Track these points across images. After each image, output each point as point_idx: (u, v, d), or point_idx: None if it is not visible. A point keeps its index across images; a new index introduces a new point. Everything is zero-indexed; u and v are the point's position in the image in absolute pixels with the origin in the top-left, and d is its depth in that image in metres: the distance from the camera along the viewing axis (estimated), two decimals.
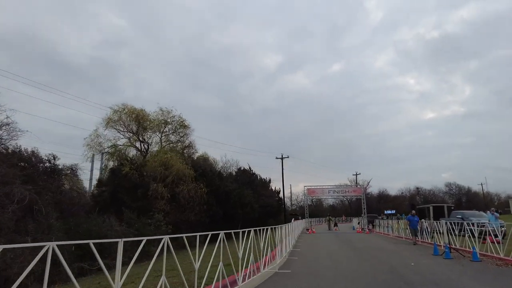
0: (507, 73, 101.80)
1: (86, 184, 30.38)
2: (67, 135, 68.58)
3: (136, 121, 27.82)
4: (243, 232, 7.12)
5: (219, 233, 5.90)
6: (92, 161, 31.03)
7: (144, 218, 18.43)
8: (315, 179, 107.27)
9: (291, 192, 75.60)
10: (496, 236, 10.83)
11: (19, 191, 13.30)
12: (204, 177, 26.59)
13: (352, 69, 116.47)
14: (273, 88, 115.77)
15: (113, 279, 3.44)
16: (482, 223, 12.94)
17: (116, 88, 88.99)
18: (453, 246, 11.40)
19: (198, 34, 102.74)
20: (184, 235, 5.17)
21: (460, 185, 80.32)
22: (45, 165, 19.22)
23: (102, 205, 20.78)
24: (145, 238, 4.28)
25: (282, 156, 47.89)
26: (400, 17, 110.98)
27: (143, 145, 29.70)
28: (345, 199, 77.00)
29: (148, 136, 29.63)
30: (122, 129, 28.79)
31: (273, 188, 44.86)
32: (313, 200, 75.64)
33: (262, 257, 7.88)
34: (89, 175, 31.50)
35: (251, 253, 7.05)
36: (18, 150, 17.38)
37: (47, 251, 2.79)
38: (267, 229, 9.42)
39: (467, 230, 12.41)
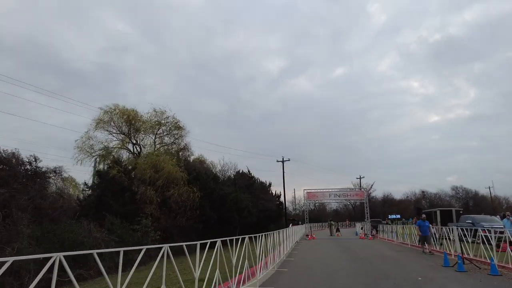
0: None
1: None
2: (71, 140, 67.87)
3: (128, 122, 26.68)
4: (225, 242, 5.83)
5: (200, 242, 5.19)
6: (95, 165, 29.90)
7: (128, 224, 17.13)
8: (318, 184, 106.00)
9: (294, 197, 74.08)
10: None
11: None
12: (198, 180, 25.32)
13: (356, 73, 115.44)
14: (276, 92, 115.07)
15: None
16: (496, 229, 11.56)
17: (120, 93, 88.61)
18: (467, 256, 9.99)
19: (201, 40, 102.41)
20: (166, 245, 4.69)
21: (467, 188, 78.33)
22: (26, 167, 18.11)
23: (87, 210, 19.57)
24: (121, 249, 4.04)
25: (283, 159, 46.55)
26: (403, 20, 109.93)
27: (136, 147, 28.55)
28: (348, 203, 75.41)
29: (141, 138, 28.47)
30: (114, 131, 27.68)
31: (274, 192, 43.59)
32: (316, 205, 74.16)
33: (244, 270, 6.58)
34: (83, 179, 30.36)
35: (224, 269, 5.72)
36: None
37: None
38: (253, 237, 8.15)
39: (479, 237, 11.04)
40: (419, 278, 7.82)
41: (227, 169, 39.08)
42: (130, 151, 28.62)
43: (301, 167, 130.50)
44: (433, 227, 16.26)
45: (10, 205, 13.98)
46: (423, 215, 14.92)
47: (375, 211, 64.37)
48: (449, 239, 12.96)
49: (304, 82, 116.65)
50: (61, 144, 62.06)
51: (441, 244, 14.21)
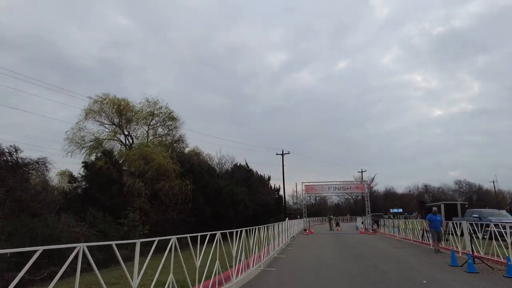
0: None
1: None
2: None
3: (118, 112, 25.61)
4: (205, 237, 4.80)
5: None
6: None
7: (112, 218, 16.14)
8: (320, 178, 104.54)
9: (296, 191, 73.07)
10: None
11: None
12: (192, 173, 24.29)
13: (358, 67, 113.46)
14: (279, 87, 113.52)
15: None
16: (506, 223, 10.47)
17: (123, 88, 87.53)
18: (478, 255, 8.90)
19: (204, 35, 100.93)
20: (138, 240, 4.23)
21: (471, 182, 77.19)
22: (5, 158, 17.14)
23: (73, 203, 18.63)
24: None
25: (282, 152, 45.53)
26: (406, 13, 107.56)
27: (128, 139, 27.52)
28: (349, 197, 74.42)
29: (133, 129, 27.43)
30: (105, 122, 26.66)
31: (273, 185, 42.59)
32: (317, 199, 73.19)
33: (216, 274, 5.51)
34: (76, 172, 29.38)
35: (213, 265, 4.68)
36: None
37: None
38: (245, 230, 7.15)
39: (487, 233, 9.99)
40: (424, 282, 6.75)
41: (224, 162, 38.06)
42: (122, 142, 27.61)
43: (304, 161, 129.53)
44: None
45: None
46: (434, 208, 13.18)
47: (377, 205, 63.27)
48: (456, 234, 11.88)
49: (307, 76, 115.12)
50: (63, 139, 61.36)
51: (447, 240, 13.14)
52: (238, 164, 36.41)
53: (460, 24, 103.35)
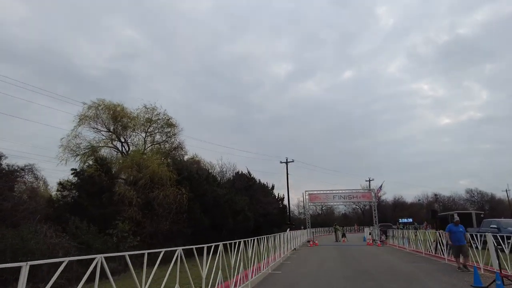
0: None
1: None
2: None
3: (114, 118, 24.68)
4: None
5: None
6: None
7: (96, 228, 15.01)
8: (328, 187, 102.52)
9: (304, 201, 71.24)
10: None
11: None
12: (189, 181, 23.13)
13: (365, 76, 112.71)
14: (285, 96, 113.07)
15: None
16: None
17: (130, 98, 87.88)
18: (506, 273, 7.52)
19: (210, 45, 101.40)
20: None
21: (483, 191, 74.87)
22: None
23: (61, 212, 17.58)
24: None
25: (286, 160, 44.31)
26: (412, 22, 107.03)
27: (124, 146, 26.54)
28: (357, 207, 72.41)
29: (129, 135, 26.45)
30: (101, 128, 25.75)
31: (277, 194, 41.18)
32: (323, 209, 71.31)
33: None
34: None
35: None
36: None
37: None
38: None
39: (508, 246, 8.66)
40: None
41: (225, 171, 36.89)
42: (118, 150, 26.65)
43: (310, 171, 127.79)
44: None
45: None
46: (456, 218, 11.40)
47: (385, 215, 61.26)
48: (473, 247, 10.47)
49: (313, 85, 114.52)
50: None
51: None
52: (240, 173, 35.24)
53: (466, 32, 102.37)
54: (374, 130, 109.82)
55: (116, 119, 24.73)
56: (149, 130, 27.72)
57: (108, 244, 15.81)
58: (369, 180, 59.44)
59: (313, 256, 15.76)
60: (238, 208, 25.68)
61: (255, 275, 8.21)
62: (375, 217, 26.19)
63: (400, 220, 55.34)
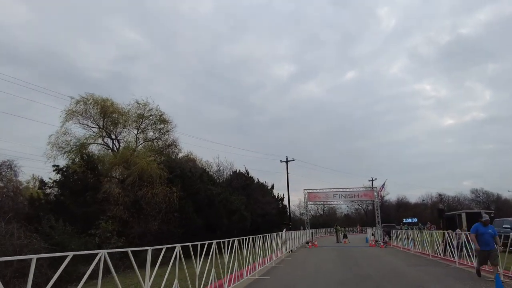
0: None
1: None
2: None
3: (102, 113, 23.54)
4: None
5: None
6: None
7: (72, 228, 13.87)
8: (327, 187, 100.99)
9: (305, 201, 69.95)
10: None
11: None
12: (182, 179, 21.96)
13: (366, 77, 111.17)
14: (286, 98, 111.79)
15: None
16: None
17: (131, 99, 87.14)
18: None
19: (211, 47, 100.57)
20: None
21: (488, 191, 73.39)
22: None
23: (42, 211, 16.47)
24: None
25: (286, 159, 43.08)
26: (413, 23, 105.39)
27: (115, 143, 25.41)
28: (359, 207, 71.05)
29: (119, 131, 25.29)
30: (91, 124, 24.63)
31: (277, 194, 39.95)
32: (324, 209, 70.00)
33: None
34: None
35: None
36: None
37: None
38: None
39: None
40: None
41: (222, 170, 35.65)
42: (108, 147, 25.51)
43: (312, 171, 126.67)
44: (463, 233, 12.40)
45: None
46: (484, 216, 9.00)
47: (388, 215, 59.83)
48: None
49: (314, 87, 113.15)
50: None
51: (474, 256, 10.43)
52: (237, 171, 34.03)
53: (468, 32, 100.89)
54: (376, 131, 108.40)
55: (106, 114, 23.59)
56: (141, 126, 26.53)
57: (89, 245, 14.67)
58: (372, 180, 58.00)
59: (310, 258, 14.53)
60: (233, 208, 24.48)
61: (234, 282, 7.02)
62: (377, 217, 24.91)
63: (405, 220, 53.92)
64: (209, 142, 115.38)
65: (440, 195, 74.45)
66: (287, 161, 42.67)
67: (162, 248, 5.40)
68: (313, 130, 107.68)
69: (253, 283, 8.13)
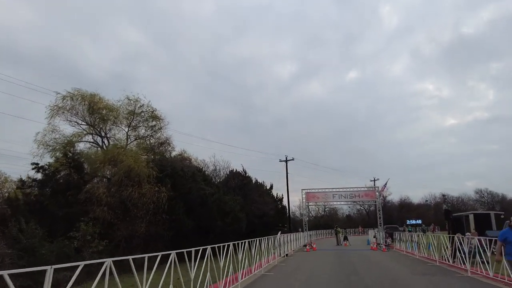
0: None
1: None
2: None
3: (90, 110, 22.43)
4: None
5: None
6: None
7: (43, 231, 12.74)
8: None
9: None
10: None
11: None
12: (172, 178, 20.84)
13: (369, 77, 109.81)
14: (288, 97, 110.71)
15: None
16: None
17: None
18: None
19: (213, 47, 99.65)
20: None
21: (493, 192, 71.90)
22: None
23: (19, 212, 15.39)
24: None
25: (286, 158, 41.90)
26: (416, 22, 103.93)
27: (105, 141, 24.29)
28: (362, 208, 69.73)
29: (110, 129, 24.17)
30: (80, 121, 23.53)
31: (276, 194, 38.76)
32: (326, 209, 68.66)
33: None
34: None
35: None
36: None
37: None
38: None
39: None
40: None
41: (219, 169, 34.50)
42: (98, 145, 24.40)
43: (314, 172, 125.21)
44: (473, 237, 11.19)
45: None
46: None
47: (391, 216, 58.45)
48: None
49: (316, 86, 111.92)
50: None
51: (484, 263, 9.20)
52: (234, 170, 32.87)
53: (471, 31, 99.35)
54: (379, 131, 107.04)
55: (94, 110, 22.47)
56: (132, 124, 25.41)
57: (66, 249, 13.57)
58: (374, 180, 56.66)
59: (305, 264, 13.33)
60: (227, 209, 23.32)
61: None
62: (379, 218, 23.66)
63: (408, 221, 52.55)
64: (211, 142, 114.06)
65: (443, 195, 73.04)
66: (286, 160, 41.48)
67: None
68: (316, 130, 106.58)
69: None
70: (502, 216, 18.28)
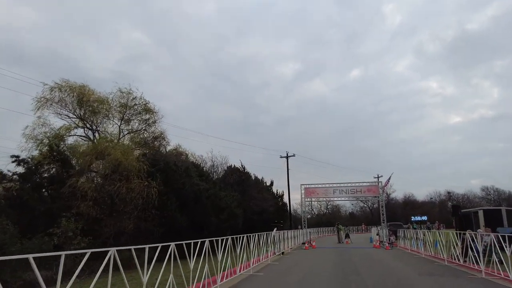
0: None
1: None
2: None
3: (80, 102, 21.46)
4: None
5: None
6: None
7: (14, 228, 11.80)
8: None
9: (308, 201, 67.30)
10: None
11: None
12: (165, 173, 19.85)
13: (372, 76, 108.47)
14: (291, 97, 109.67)
15: None
16: None
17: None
18: None
19: (216, 47, 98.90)
20: None
21: (499, 189, 70.51)
22: None
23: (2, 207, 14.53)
24: None
25: (287, 154, 40.97)
26: (419, 20, 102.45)
27: (96, 135, 23.34)
28: (365, 205, 68.52)
29: (100, 122, 23.21)
30: (70, 115, 22.59)
31: (276, 191, 37.74)
32: (328, 206, 67.47)
33: None
34: None
35: None
36: None
37: None
38: None
39: None
40: None
41: (217, 165, 33.48)
42: (89, 139, 23.47)
43: (317, 170, 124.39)
44: (484, 234, 10.09)
45: None
46: None
47: (395, 213, 57.24)
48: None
49: (319, 85, 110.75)
50: None
51: (501, 263, 8.13)
52: (232, 166, 31.84)
53: (474, 28, 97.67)
54: (382, 130, 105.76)
55: (83, 102, 21.50)
56: (125, 117, 24.45)
57: (44, 246, 12.63)
58: (378, 177, 55.33)
59: (301, 264, 12.29)
60: (223, 205, 22.32)
61: None
62: (383, 215, 22.54)
63: (413, 218, 51.29)
64: (209, 138, 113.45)
65: (448, 192, 71.71)
66: (287, 156, 40.53)
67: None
68: (319, 129, 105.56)
69: None
70: None
